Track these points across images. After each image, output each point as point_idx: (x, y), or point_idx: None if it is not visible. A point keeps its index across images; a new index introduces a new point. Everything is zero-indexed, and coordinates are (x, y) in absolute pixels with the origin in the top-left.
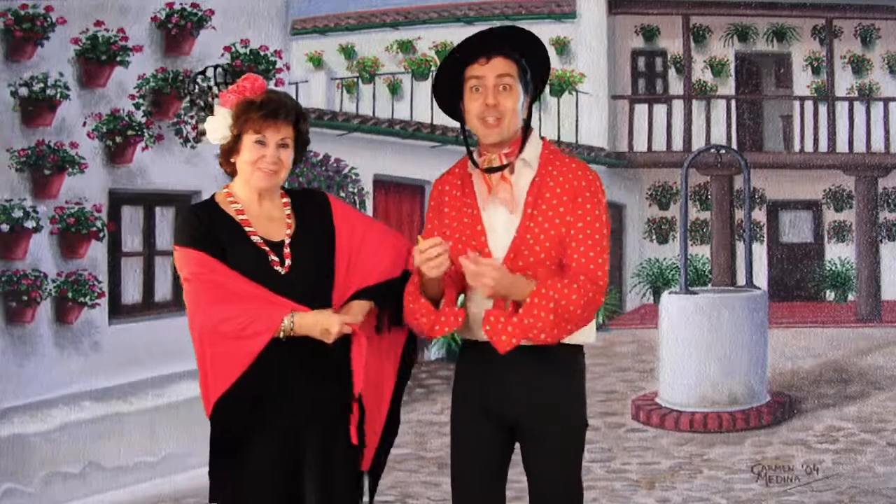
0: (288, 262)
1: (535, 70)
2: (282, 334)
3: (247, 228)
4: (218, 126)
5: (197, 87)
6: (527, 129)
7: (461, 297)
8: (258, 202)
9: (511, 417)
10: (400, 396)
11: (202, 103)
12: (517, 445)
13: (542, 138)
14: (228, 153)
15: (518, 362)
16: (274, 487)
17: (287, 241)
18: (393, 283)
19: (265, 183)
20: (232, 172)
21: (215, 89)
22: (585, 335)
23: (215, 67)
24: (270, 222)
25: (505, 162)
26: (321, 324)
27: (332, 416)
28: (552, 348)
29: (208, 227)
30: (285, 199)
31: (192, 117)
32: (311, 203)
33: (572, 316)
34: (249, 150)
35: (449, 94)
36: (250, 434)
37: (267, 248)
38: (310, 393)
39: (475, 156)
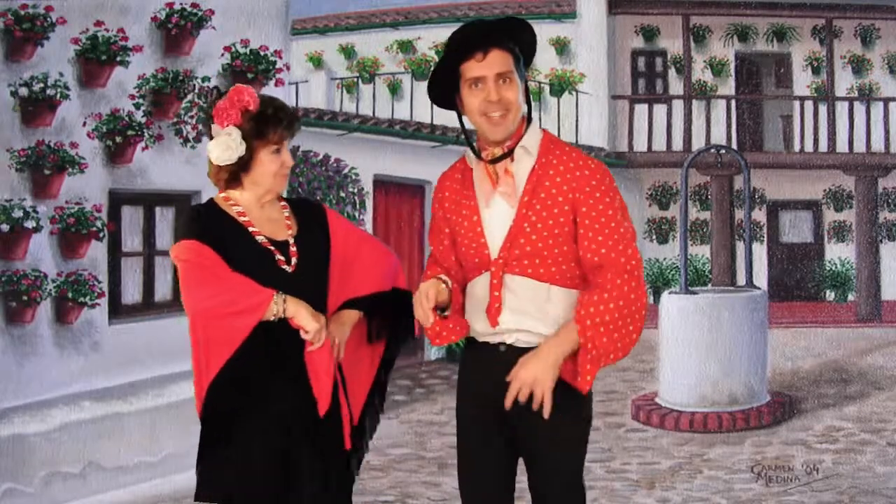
0: (294, 260)
1: (525, 56)
2: (273, 313)
3: (250, 229)
4: (231, 146)
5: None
6: (529, 118)
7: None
8: (259, 207)
9: (512, 417)
10: (380, 385)
11: (204, 127)
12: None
13: (543, 129)
14: (239, 170)
15: (509, 362)
16: (268, 475)
17: (291, 240)
18: (383, 297)
19: (283, 186)
20: (230, 186)
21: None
22: None
23: (212, 91)
24: (271, 223)
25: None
26: (309, 311)
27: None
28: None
29: (208, 223)
30: (283, 203)
31: (191, 118)
32: (308, 210)
33: (627, 317)
34: (269, 161)
35: (443, 87)
36: (240, 422)
37: (272, 248)
38: (296, 379)
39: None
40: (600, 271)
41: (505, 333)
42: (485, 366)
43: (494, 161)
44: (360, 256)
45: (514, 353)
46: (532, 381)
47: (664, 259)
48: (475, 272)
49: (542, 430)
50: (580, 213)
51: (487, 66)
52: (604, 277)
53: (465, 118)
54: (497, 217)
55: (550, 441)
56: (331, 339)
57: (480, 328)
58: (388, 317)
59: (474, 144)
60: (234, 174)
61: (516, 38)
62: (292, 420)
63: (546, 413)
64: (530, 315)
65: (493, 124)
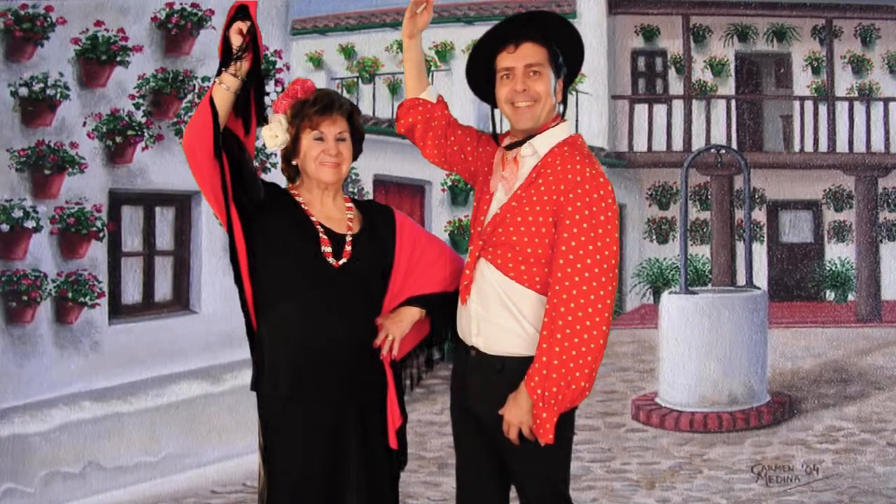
0: (344, 260)
1: (567, 55)
2: (225, 87)
3: (312, 217)
4: (276, 132)
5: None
6: (562, 115)
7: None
8: (320, 201)
9: (491, 429)
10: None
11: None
12: None
13: (575, 135)
14: (289, 156)
15: (477, 370)
16: (318, 460)
17: (349, 237)
18: (448, 297)
19: (331, 177)
20: (292, 176)
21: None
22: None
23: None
24: (330, 221)
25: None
26: None
27: (369, 398)
28: (509, 360)
29: (273, 189)
30: (349, 205)
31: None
32: (376, 212)
33: (571, 361)
34: (310, 147)
35: (484, 81)
36: (291, 407)
37: (326, 238)
38: (350, 372)
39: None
40: (551, 294)
41: (473, 336)
42: (460, 371)
43: (508, 148)
44: (426, 257)
45: (483, 360)
46: (518, 423)
47: (664, 259)
48: (470, 244)
49: (520, 450)
50: (561, 224)
51: (517, 57)
52: (551, 304)
53: (497, 112)
54: (495, 201)
55: (530, 458)
56: (386, 335)
57: (461, 314)
58: (447, 317)
59: (497, 132)
60: (289, 163)
61: (554, 35)
62: (342, 403)
63: (542, 442)
64: (494, 312)
65: (519, 114)
